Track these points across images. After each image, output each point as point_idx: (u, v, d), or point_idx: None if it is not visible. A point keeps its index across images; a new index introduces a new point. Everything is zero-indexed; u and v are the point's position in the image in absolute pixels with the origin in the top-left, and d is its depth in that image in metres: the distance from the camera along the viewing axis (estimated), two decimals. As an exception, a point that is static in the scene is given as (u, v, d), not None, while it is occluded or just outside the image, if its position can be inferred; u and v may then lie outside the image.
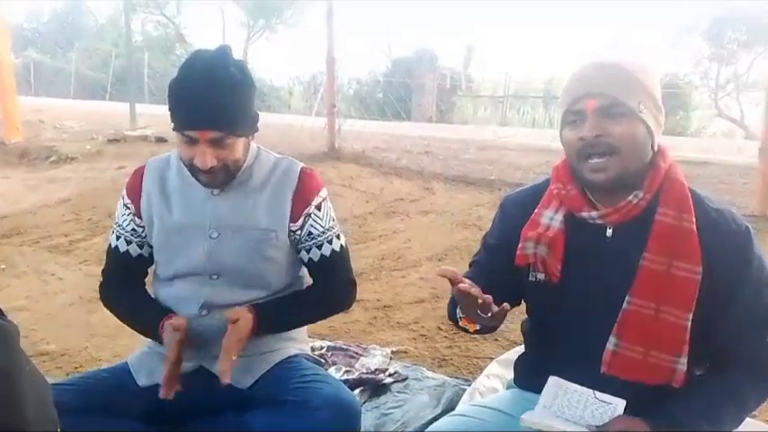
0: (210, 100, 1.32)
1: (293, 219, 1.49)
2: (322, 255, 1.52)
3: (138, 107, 8.87)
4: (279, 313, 1.48)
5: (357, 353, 2.29)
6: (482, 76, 22.21)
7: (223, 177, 1.42)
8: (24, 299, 3.18)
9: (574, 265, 1.21)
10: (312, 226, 1.51)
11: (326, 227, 1.53)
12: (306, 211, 1.49)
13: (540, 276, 1.24)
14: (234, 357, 1.35)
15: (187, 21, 28.29)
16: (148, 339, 1.55)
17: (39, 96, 16.78)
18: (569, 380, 1.23)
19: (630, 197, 1.16)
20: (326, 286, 1.56)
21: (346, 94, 18.99)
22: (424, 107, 17.45)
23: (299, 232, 1.50)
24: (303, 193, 1.50)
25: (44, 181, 5.91)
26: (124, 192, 1.56)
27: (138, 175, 1.56)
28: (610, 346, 1.17)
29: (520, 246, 1.24)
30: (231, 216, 1.47)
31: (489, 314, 1.08)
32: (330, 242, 1.53)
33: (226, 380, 1.33)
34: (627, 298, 1.15)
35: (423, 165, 6.19)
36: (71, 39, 25.71)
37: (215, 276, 1.47)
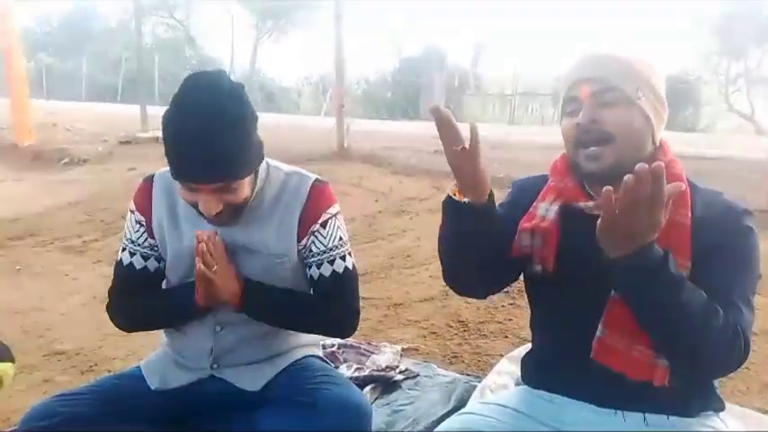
0: (209, 151, 1.20)
1: (299, 238, 1.43)
2: (321, 274, 1.44)
3: (148, 109, 8.94)
4: (268, 301, 1.42)
5: (368, 350, 2.30)
6: (490, 75, 22.17)
7: (230, 216, 1.34)
8: (39, 299, 3.22)
9: (570, 255, 1.20)
10: (314, 243, 1.43)
11: (329, 246, 1.44)
12: (311, 228, 1.43)
13: (538, 268, 1.24)
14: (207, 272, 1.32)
15: (197, 23, 28.43)
16: (162, 342, 1.56)
17: (51, 99, 16.93)
18: (566, 370, 1.23)
19: None
20: (323, 306, 1.47)
21: (355, 94, 19.00)
22: (432, 106, 17.42)
23: (303, 250, 1.45)
24: (310, 211, 1.42)
25: (57, 183, 5.98)
26: (133, 206, 1.48)
27: (147, 190, 1.46)
28: (599, 333, 1.17)
29: (516, 238, 1.25)
30: (243, 241, 1.40)
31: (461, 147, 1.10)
32: (332, 262, 1.44)
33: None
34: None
35: (432, 164, 6.20)
36: (82, 42, 25.93)
37: None
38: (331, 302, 1.46)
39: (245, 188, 1.32)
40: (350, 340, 2.41)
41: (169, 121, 1.24)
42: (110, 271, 1.61)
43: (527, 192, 1.32)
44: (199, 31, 27.92)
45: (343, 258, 1.46)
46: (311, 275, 1.46)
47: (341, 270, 1.45)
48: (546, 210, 1.24)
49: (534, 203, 1.27)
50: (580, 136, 1.14)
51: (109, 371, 2.35)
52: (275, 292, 1.43)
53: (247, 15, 26.30)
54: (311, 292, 1.50)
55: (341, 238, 1.46)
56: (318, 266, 1.44)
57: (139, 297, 1.49)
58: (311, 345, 1.59)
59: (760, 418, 1.79)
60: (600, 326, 1.17)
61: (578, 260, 1.19)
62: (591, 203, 1.18)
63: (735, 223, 1.13)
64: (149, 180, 1.48)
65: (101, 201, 5.11)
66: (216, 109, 1.21)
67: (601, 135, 1.12)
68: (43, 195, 5.47)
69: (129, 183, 5.49)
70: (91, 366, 2.47)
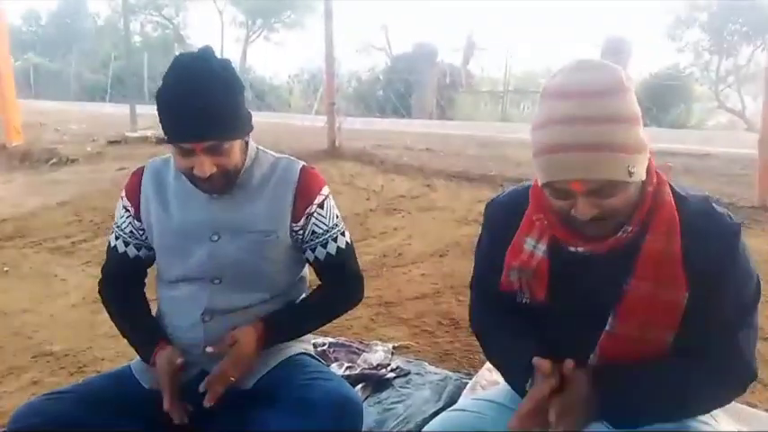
0: (201, 109, 1.28)
1: (295, 218, 1.47)
2: (328, 253, 1.51)
3: (138, 108, 8.88)
4: (288, 325, 1.49)
5: (359, 349, 2.30)
6: (482, 72, 22.18)
7: (223, 183, 1.40)
8: (28, 300, 3.20)
9: (560, 287, 1.19)
10: (316, 225, 1.49)
11: (330, 225, 1.51)
12: (308, 210, 1.48)
13: (527, 301, 1.23)
14: (232, 379, 1.37)
15: (186, 22, 28.30)
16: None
17: (39, 99, 16.80)
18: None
19: (620, 233, 1.11)
20: (335, 284, 1.56)
21: (346, 91, 18.96)
22: (423, 104, 17.42)
23: (301, 232, 1.49)
24: (304, 192, 1.48)
25: (45, 183, 5.93)
26: (123, 193, 1.55)
27: (137, 176, 1.54)
28: (591, 363, 1.17)
29: (504, 273, 1.23)
30: (231, 218, 1.45)
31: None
32: (335, 240, 1.52)
33: (208, 401, 1.35)
34: (610, 320, 1.14)
35: (423, 161, 6.19)
36: (70, 41, 25.78)
37: (216, 281, 1.45)
38: (341, 279, 1.56)
39: (236, 152, 1.39)
40: (341, 338, 2.41)
41: (162, 90, 1.32)
42: (98, 271, 1.61)
43: (505, 216, 1.27)
44: (188, 30, 27.81)
45: (343, 234, 1.56)
46: (316, 257, 1.52)
47: (344, 246, 1.55)
48: (533, 246, 1.19)
49: (519, 235, 1.21)
50: (579, 218, 1.07)
51: (98, 372, 2.34)
52: (292, 315, 1.51)
53: (237, 13, 26.22)
54: (315, 271, 1.58)
55: (337, 216, 1.55)
56: (324, 246, 1.51)
57: (118, 293, 1.57)
58: (303, 340, 1.60)
59: (749, 413, 1.81)
60: (592, 356, 1.17)
61: (572, 291, 1.17)
62: (581, 249, 1.15)
63: (727, 247, 1.10)
64: (140, 168, 1.56)
65: (90, 201, 5.06)
66: (206, 72, 1.31)
67: (601, 216, 1.06)
68: (32, 196, 5.42)
69: (118, 183, 5.45)
70: (80, 367, 2.46)
